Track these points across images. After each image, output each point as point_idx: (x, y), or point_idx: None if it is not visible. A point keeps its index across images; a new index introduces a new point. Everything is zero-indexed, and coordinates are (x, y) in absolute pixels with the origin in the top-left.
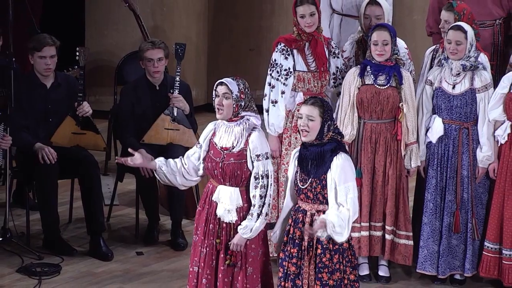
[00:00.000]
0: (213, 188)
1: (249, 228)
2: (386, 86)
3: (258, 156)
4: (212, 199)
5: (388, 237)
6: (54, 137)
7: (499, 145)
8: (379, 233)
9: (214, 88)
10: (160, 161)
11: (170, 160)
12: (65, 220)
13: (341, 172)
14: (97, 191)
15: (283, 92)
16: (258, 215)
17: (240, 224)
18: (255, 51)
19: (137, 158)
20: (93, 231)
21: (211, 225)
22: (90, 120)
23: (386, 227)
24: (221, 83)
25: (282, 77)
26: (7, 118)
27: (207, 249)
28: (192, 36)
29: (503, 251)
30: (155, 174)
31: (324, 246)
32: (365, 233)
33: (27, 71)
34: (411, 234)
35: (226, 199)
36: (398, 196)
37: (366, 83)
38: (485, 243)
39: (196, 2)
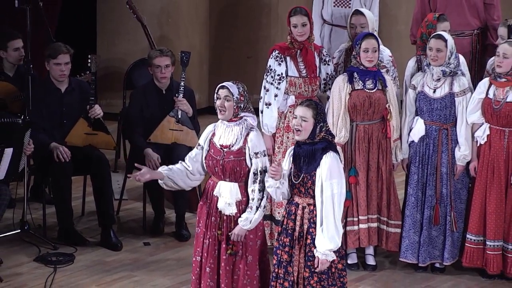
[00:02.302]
0: (214, 184)
1: (249, 220)
2: (375, 90)
3: (256, 153)
4: (213, 194)
5: (383, 227)
6: (68, 137)
7: (478, 145)
8: (375, 225)
9: (216, 91)
10: (164, 170)
11: (172, 166)
12: (78, 213)
13: (328, 169)
14: (107, 187)
15: (276, 95)
16: (257, 208)
17: (240, 217)
18: (252, 58)
19: (145, 173)
20: (104, 223)
21: (212, 217)
22: (101, 122)
23: (381, 218)
24: (223, 87)
25: (275, 82)
26: (31, 123)
27: (210, 240)
28: (196, 45)
29: (487, 242)
30: (162, 185)
31: (314, 237)
32: (363, 226)
33: (43, 77)
34: (400, 223)
35: (226, 194)
36: (389, 189)
37: (356, 88)
38: (467, 236)
39: (199, 13)
